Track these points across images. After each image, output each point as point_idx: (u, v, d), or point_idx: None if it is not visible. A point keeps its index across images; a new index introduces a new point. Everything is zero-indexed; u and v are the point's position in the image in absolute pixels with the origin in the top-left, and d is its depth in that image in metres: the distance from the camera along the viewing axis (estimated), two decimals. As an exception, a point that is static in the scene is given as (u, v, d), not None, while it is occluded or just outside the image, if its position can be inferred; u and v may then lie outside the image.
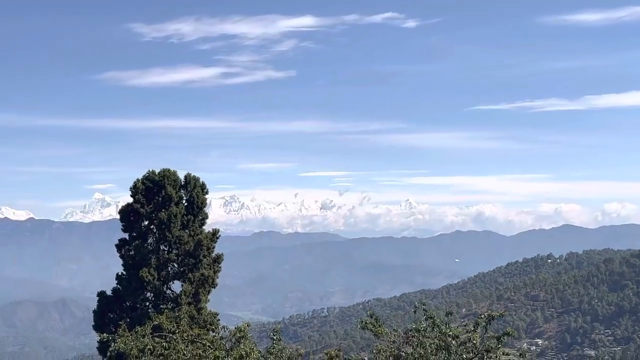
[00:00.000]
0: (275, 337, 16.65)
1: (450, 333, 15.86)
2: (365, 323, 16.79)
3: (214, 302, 34.76)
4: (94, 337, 33.61)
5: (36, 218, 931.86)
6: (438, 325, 16.03)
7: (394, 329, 17.17)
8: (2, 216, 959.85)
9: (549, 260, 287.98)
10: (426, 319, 16.17)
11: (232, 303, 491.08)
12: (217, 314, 33.14)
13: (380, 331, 16.49)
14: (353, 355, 18.43)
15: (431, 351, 15.78)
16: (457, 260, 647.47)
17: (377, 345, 16.60)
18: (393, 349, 16.04)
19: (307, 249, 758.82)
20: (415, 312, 17.41)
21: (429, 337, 16.04)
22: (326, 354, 16.73)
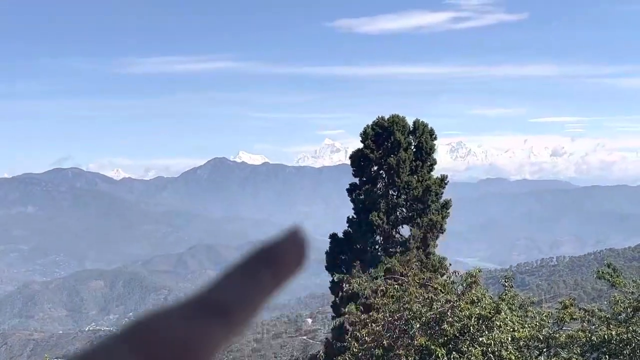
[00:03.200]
0: (507, 284, 16.51)
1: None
2: (602, 272, 16.22)
3: (441, 247, 34.95)
4: (325, 277, 35.08)
5: (270, 162, 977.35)
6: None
7: (633, 280, 16.45)
8: (239, 160, 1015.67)
9: None
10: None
11: (458, 249, 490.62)
12: (445, 259, 33.31)
13: (618, 282, 15.86)
14: (585, 306, 17.86)
15: (675, 305, 14.98)
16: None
17: (614, 296, 16.00)
18: (632, 300, 15.38)
19: (536, 197, 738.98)
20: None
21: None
22: (560, 302, 16.33)
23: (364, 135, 34.84)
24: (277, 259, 0.96)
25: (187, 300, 0.96)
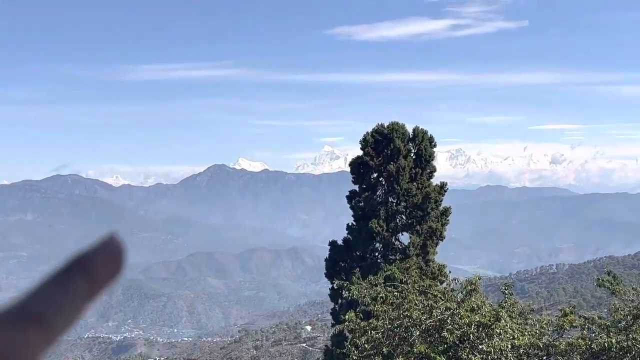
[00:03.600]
0: (507, 292, 16.48)
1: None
2: (602, 280, 16.20)
3: (440, 254, 34.90)
4: (325, 284, 35.04)
5: (270, 169, 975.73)
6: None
7: (632, 288, 16.42)
8: (239, 167, 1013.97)
9: None
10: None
11: (458, 256, 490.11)
12: (444, 266, 33.28)
13: (618, 289, 15.83)
14: (585, 313, 17.83)
15: (674, 312, 14.94)
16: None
17: (614, 304, 15.98)
18: (632, 308, 15.36)
19: (536, 204, 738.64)
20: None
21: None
22: (560, 310, 16.32)
23: (364, 143, 34.83)
24: (91, 267, 0.96)
25: (1, 310, 0.94)
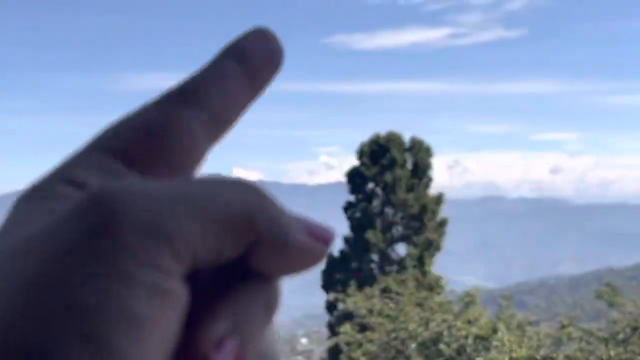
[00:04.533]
0: (505, 303, 16.34)
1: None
2: (601, 292, 16.05)
3: (438, 266, 34.69)
4: (321, 297, 34.83)
5: (265, 180, 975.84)
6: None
7: (631, 299, 16.26)
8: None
9: None
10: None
11: (456, 267, 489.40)
12: (442, 278, 33.10)
13: (616, 301, 15.67)
14: (584, 325, 17.68)
15: (674, 324, 14.78)
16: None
17: (613, 316, 15.82)
18: (630, 320, 15.19)
19: (535, 215, 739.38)
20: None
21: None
22: (560, 322, 16.15)
23: (360, 152, 34.75)
24: (244, 50, 0.68)
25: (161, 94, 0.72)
